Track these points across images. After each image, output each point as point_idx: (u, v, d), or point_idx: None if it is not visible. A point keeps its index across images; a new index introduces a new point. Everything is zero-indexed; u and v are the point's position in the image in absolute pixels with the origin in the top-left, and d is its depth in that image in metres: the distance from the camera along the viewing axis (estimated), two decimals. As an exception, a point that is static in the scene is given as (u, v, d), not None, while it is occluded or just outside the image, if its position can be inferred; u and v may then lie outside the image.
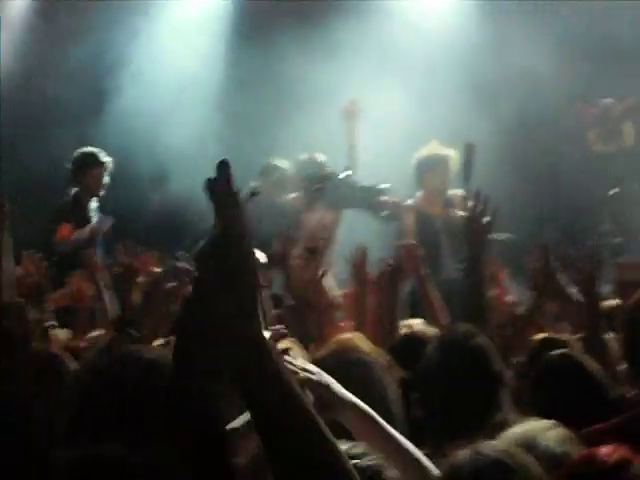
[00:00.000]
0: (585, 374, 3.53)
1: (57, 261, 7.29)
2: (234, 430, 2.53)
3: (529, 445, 2.36)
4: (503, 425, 2.72)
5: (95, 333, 5.41)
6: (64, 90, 9.92)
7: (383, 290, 4.98)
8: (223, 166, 1.61)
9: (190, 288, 1.66)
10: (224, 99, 10.57)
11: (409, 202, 8.33)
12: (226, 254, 1.58)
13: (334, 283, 6.55)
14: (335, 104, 8.95)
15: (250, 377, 1.57)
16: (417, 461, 2.39)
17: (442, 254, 7.85)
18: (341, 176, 8.37)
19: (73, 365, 3.31)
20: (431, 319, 5.18)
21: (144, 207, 9.83)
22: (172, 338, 4.52)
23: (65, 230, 8.21)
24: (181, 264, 4.33)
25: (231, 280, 1.58)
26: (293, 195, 8.87)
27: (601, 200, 9.51)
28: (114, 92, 10.11)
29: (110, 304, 5.56)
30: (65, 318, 5.85)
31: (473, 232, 4.25)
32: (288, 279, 5.14)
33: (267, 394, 1.57)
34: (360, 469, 2.09)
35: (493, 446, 2.11)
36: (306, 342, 4.28)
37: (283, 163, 8.91)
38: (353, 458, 2.13)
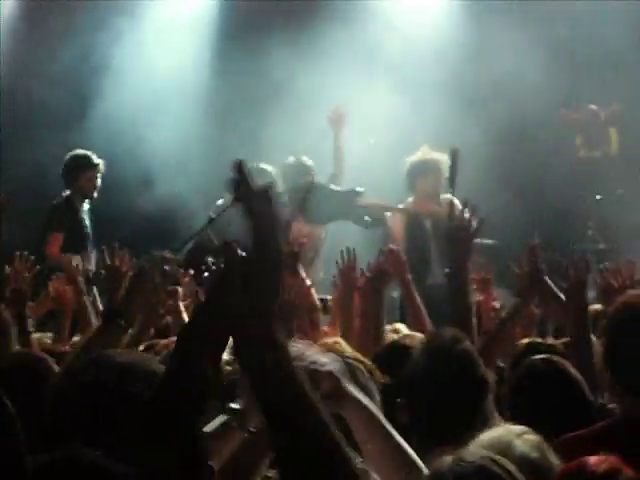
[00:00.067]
0: (567, 380, 3.53)
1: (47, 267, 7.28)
2: (209, 434, 2.52)
3: (504, 450, 2.36)
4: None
5: (77, 338, 5.40)
6: (49, 92, 9.89)
7: (368, 295, 4.97)
8: (240, 166, 1.61)
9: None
10: (210, 101, 10.56)
11: (400, 206, 8.34)
12: (258, 254, 1.59)
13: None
14: (323, 107, 8.95)
15: (265, 377, 1.58)
16: (414, 463, 2.39)
17: (432, 258, 7.86)
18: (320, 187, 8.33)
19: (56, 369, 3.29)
20: (415, 324, 5.18)
21: (131, 210, 9.80)
22: (156, 342, 4.51)
23: (56, 243, 8.22)
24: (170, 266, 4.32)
25: (257, 279, 1.58)
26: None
27: (586, 206, 9.53)
28: (98, 95, 10.09)
29: (91, 308, 5.54)
30: (50, 322, 5.84)
31: (458, 240, 4.25)
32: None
33: (281, 394, 1.58)
34: None
35: (476, 453, 2.11)
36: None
37: (268, 167, 8.90)
38: None
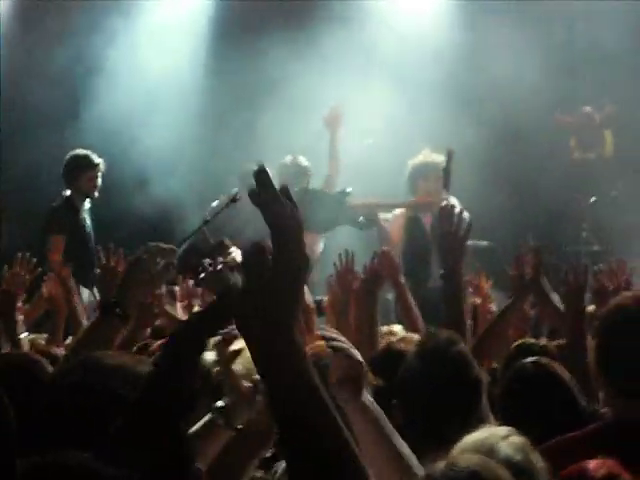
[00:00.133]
0: (556, 383, 3.54)
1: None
2: (195, 433, 2.53)
3: (488, 453, 2.36)
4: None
5: (69, 340, 5.40)
6: (44, 93, 9.88)
7: (362, 297, 4.97)
8: (262, 173, 1.61)
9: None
10: (205, 101, 10.56)
11: (399, 211, 8.35)
12: (280, 256, 1.59)
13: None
14: (319, 107, 8.95)
15: (280, 376, 1.58)
16: (411, 468, 2.40)
17: (432, 260, 7.86)
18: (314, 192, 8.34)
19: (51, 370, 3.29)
20: (408, 326, 5.18)
21: (126, 211, 9.80)
22: (150, 342, 4.51)
23: (57, 248, 8.17)
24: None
25: (278, 279, 1.59)
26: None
27: (581, 208, 9.55)
28: (93, 96, 10.08)
29: (82, 310, 5.55)
30: (46, 324, 5.84)
31: (449, 244, 4.25)
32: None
33: (294, 394, 1.59)
34: None
35: (469, 458, 2.11)
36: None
37: (264, 168, 8.90)
38: None
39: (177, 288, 5.45)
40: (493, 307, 5.68)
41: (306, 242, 1.65)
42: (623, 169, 9.75)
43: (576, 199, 9.54)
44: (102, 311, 3.48)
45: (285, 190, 1.63)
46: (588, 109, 9.83)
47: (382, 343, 4.61)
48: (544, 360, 3.67)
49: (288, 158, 8.72)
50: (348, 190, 8.22)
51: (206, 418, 2.61)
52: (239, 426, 2.60)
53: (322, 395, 1.61)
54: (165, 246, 3.47)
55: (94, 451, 1.79)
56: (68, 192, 8.50)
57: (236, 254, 4.40)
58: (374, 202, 8.41)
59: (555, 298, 4.84)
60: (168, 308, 5.07)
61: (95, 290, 6.20)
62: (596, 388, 3.74)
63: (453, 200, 8.26)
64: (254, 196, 1.60)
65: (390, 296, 6.75)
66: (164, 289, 5.11)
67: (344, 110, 8.76)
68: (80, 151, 8.56)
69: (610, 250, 9.10)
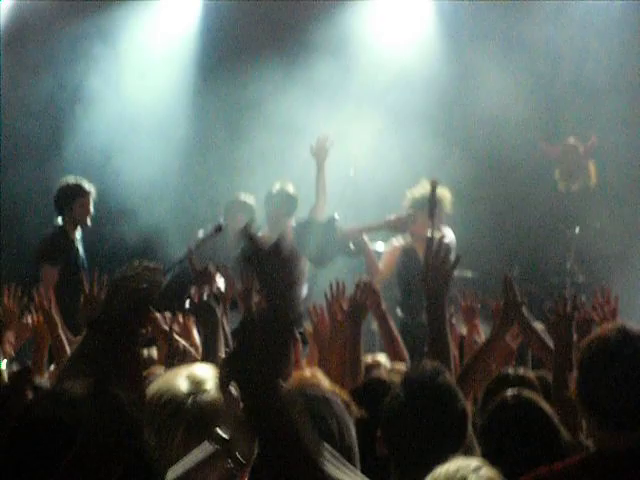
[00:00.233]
0: (538, 415, 3.54)
1: None
2: (196, 462, 2.50)
3: None
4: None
5: (53, 367, 5.38)
6: (26, 124, 9.87)
7: (346, 328, 4.97)
8: (247, 230, 1.61)
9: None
10: (190, 130, 10.57)
11: (397, 242, 8.35)
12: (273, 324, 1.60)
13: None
14: (307, 136, 8.98)
15: (265, 430, 1.60)
16: None
17: None
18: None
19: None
20: (391, 355, 5.17)
21: (111, 241, 9.77)
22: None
23: (49, 277, 8.10)
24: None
25: (267, 341, 1.59)
26: (260, 233, 8.87)
27: (565, 239, 9.58)
28: (75, 126, 10.07)
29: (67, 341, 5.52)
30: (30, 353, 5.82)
31: (433, 277, 4.24)
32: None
33: (278, 445, 1.60)
34: None
35: None
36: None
37: (249, 198, 8.92)
38: None
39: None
40: (478, 338, 5.67)
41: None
42: (607, 200, 9.79)
43: (560, 230, 9.57)
44: (90, 325, 3.45)
45: (280, 242, 1.62)
46: (572, 140, 9.89)
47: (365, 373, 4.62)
48: (525, 392, 3.67)
49: (275, 186, 8.74)
50: (336, 217, 8.25)
51: (207, 447, 2.56)
52: (241, 459, 2.54)
53: (302, 443, 1.61)
54: (151, 264, 3.44)
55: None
56: (60, 220, 8.44)
57: (220, 282, 4.40)
58: (356, 227, 8.42)
59: (539, 327, 4.85)
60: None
61: None
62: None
63: (448, 232, 8.31)
64: (245, 261, 1.59)
65: (375, 326, 6.75)
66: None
67: (331, 140, 8.78)
68: (71, 178, 8.50)
69: (594, 282, 9.12)
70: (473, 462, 2.51)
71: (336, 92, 9.94)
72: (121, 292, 3.38)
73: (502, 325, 4.70)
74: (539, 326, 4.90)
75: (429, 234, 5.74)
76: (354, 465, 2.96)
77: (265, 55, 10.19)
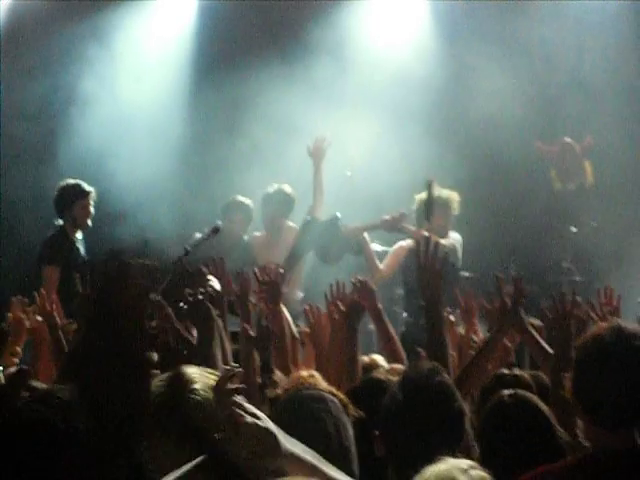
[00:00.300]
0: (535, 415, 3.54)
1: None
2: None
3: None
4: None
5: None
6: (20, 125, 9.86)
7: (343, 328, 4.96)
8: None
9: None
10: (186, 132, 10.57)
11: (405, 242, 8.34)
12: None
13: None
14: (304, 137, 8.99)
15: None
16: None
17: None
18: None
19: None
20: (388, 355, 5.17)
21: (107, 244, 9.75)
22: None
23: (51, 278, 8.07)
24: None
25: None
26: (257, 233, 8.92)
27: (562, 238, 9.59)
28: (70, 129, 10.05)
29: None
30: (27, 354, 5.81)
31: (426, 277, 4.24)
32: (248, 316, 5.12)
33: None
34: None
35: None
36: (268, 373, 4.30)
37: (246, 200, 8.92)
38: None
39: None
40: (476, 338, 5.66)
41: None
42: (603, 200, 9.80)
43: (557, 229, 9.58)
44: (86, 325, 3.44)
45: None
46: (568, 139, 9.89)
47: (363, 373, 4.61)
48: (521, 392, 3.67)
49: (272, 187, 8.74)
50: (338, 215, 8.25)
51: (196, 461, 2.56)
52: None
53: None
54: (148, 262, 3.43)
55: None
56: (60, 222, 8.41)
57: (214, 283, 4.39)
58: (353, 226, 8.42)
59: (535, 323, 4.84)
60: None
61: None
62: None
63: (455, 235, 8.32)
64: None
65: (372, 326, 6.75)
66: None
67: (329, 141, 8.79)
68: (70, 180, 8.48)
69: (591, 281, 9.13)
70: (463, 462, 2.51)
71: (333, 92, 9.94)
72: (118, 287, 3.38)
73: (498, 332, 4.69)
74: (536, 322, 4.90)
75: (425, 234, 5.73)
76: (352, 466, 2.96)
77: (261, 55, 10.19)
